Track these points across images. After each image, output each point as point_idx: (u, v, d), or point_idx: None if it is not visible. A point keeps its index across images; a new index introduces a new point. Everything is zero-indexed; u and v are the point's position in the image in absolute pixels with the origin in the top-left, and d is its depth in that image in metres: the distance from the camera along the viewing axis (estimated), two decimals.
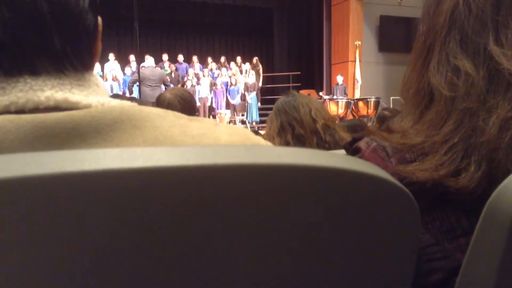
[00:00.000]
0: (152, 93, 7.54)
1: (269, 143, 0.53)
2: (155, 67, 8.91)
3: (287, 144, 1.53)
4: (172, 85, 9.30)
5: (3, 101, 0.40)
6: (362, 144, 0.62)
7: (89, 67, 0.48)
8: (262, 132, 3.52)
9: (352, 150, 0.65)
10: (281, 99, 1.65)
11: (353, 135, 0.70)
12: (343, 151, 1.07)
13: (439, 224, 0.54)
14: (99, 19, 0.51)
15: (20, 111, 0.40)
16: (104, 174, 0.25)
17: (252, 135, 0.50)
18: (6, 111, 0.40)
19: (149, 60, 8.93)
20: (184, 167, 0.27)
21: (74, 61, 0.45)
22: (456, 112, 0.54)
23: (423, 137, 0.56)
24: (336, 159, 0.32)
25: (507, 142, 0.50)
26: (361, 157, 0.61)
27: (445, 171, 0.52)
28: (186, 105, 2.00)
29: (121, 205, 0.26)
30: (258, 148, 0.31)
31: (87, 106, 0.43)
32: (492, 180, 0.50)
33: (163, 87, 8.61)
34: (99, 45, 0.52)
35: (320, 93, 10.64)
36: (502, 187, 0.42)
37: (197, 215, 0.28)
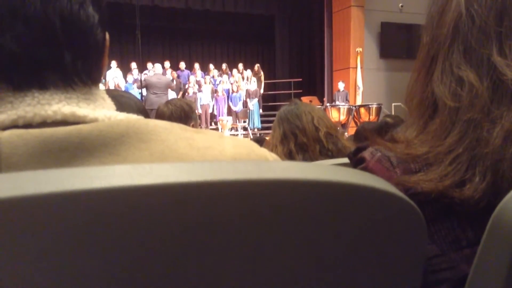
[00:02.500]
0: (158, 100, 7.57)
1: (274, 155, 0.53)
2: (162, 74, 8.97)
3: (290, 152, 1.53)
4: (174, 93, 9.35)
5: (11, 115, 0.40)
6: (366, 154, 0.63)
7: (96, 81, 0.48)
8: (267, 138, 3.53)
9: (357, 160, 0.65)
10: (284, 107, 1.65)
11: (357, 144, 0.70)
12: (346, 160, 1.07)
13: (444, 234, 0.54)
14: (107, 35, 0.52)
15: (28, 125, 0.41)
16: (114, 191, 0.25)
17: (257, 147, 0.51)
18: (14, 125, 0.40)
19: (156, 67, 8.98)
20: (194, 183, 0.27)
21: (83, 76, 0.46)
22: (460, 123, 0.54)
23: (427, 147, 0.56)
24: (342, 173, 0.33)
25: (511, 153, 0.50)
26: (365, 167, 0.61)
27: (449, 182, 0.52)
28: (184, 115, 2.02)
29: (132, 222, 0.26)
30: (266, 163, 0.31)
31: (94, 120, 0.43)
32: (497, 191, 0.50)
33: (169, 94, 8.64)
34: (106, 60, 0.52)
35: (324, 100, 10.68)
36: (508, 200, 0.42)
37: (206, 231, 0.28)
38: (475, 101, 0.54)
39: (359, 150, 0.67)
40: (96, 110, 0.45)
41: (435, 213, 0.54)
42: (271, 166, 0.31)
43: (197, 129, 0.48)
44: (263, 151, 0.51)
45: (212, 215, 0.28)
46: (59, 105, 0.43)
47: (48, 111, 0.42)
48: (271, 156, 0.52)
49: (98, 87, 0.49)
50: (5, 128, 0.40)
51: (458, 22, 0.58)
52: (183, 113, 2.03)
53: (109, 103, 0.49)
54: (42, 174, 0.25)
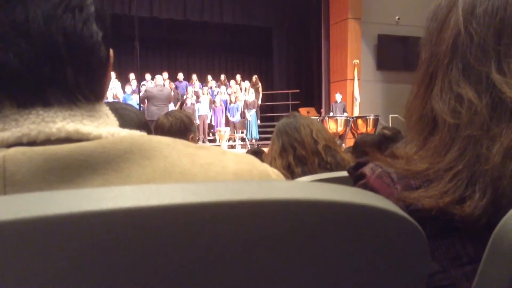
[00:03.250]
0: (158, 112, 7.59)
1: (275, 171, 0.53)
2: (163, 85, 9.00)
3: (289, 165, 1.53)
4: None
5: (16, 132, 0.41)
6: (367, 170, 0.63)
7: (100, 98, 0.48)
8: (264, 149, 3.53)
9: (357, 175, 0.65)
10: (282, 120, 1.66)
11: (357, 159, 0.71)
12: (345, 173, 1.08)
13: (445, 251, 0.54)
14: (111, 51, 0.52)
15: (32, 142, 0.41)
16: (121, 213, 0.25)
17: (259, 163, 0.51)
18: (18, 142, 0.40)
19: (157, 79, 9.00)
20: (199, 204, 0.27)
21: (86, 93, 0.46)
22: (460, 140, 0.55)
23: (427, 164, 0.56)
24: (345, 193, 0.33)
25: (511, 170, 0.50)
26: (366, 183, 0.61)
27: (450, 199, 0.52)
28: (184, 127, 2.02)
29: (138, 243, 0.26)
30: (270, 183, 0.32)
31: (98, 137, 0.43)
32: (497, 208, 0.50)
33: (170, 106, 8.66)
34: (110, 76, 0.53)
35: (321, 111, 10.72)
36: (509, 217, 0.42)
37: (212, 252, 0.28)
38: (474, 118, 0.54)
39: (359, 165, 0.67)
40: (100, 127, 0.45)
41: (435, 230, 0.54)
42: (275, 186, 0.31)
43: (199, 145, 0.48)
44: (265, 167, 0.51)
45: (217, 235, 0.28)
46: (63, 122, 0.43)
47: (52, 128, 0.42)
48: (273, 172, 0.52)
49: (102, 103, 0.49)
50: (10, 145, 0.40)
51: (457, 40, 0.59)
52: (182, 125, 2.03)
53: (112, 119, 0.49)
54: (49, 196, 0.25)
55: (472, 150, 0.53)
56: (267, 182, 0.31)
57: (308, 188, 0.32)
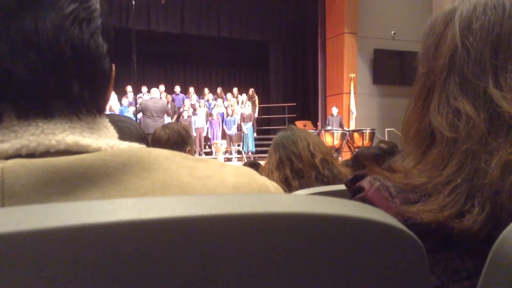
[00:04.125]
0: (154, 124, 7.61)
1: (274, 184, 0.53)
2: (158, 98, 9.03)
3: (286, 178, 1.53)
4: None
5: (15, 144, 0.40)
6: (365, 183, 0.63)
7: (101, 111, 0.49)
8: (261, 162, 3.52)
9: (355, 188, 0.65)
10: (280, 133, 1.66)
11: (355, 172, 0.71)
12: (343, 187, 1.07)
13: (444, 266, 0.54)
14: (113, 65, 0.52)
15: (31, 154, 0.41)
16: (121, 225, 0.25)
17: (258, 175, 0.51)
18: (18, 154, 0.40)
19: (152, 92, 9.02)
20: (199, 217, 0.27)
21: (89, 105, 0.46)
22: (458, 154, 0.55)
23: (426, 178, 0.56)
24: (345, 206, 0.33)
25: (510, 184, 0.50)
26: (364, 196, 0.61)
27: (449, 213, 0.52)
28: (181, 140, 2.02)
29: (138, 256, 0.26)
30: (271, 197, 0.31)
31: (97, 149, 0.43)
32: (496, 223, 0.50)
33: (165, 118, 8.67)
34: (111, 90, 0.53)
35: (318, 124, 10.76)
36: (508, 232, 0.42)
37: (212, 265, 0.28)
38: (472, 132, 0.54)
39: (356, 178, 0.67)
40: (99, 139, 0.45)
41: (434, 244, 0.54)
42: (276, 199, 0.31)
43: (198, 158, 0.48)
44: (264, 180, 0.51)
45: (218, 248, 0.28)
46: (63, 134, 0.42)
47: (52, 140, 0.42)
48: (272, 184, 0.52)
49: (103, 116, 0.49)
50: (8, 157, 0.40)
51: (454, 55, 0.59)
52: (180, 138, 2.03)
53: (111, 132, 0.49)
54: (48, 208, 0.25)
55: (470, 164, 0.53)
56: (267, 196, 0.31)
57: (308, 201, 0.32)
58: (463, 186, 0.53)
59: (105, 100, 0.50)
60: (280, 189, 0.54)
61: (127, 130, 1.32)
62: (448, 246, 0.54)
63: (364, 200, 0.60)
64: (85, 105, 0.45)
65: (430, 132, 0.61)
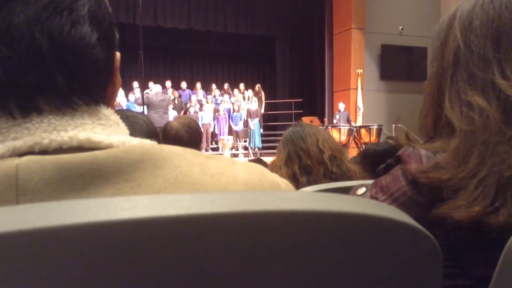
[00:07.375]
0: (160, 120, 7.68)
1: (285, 181, 0.53)
2: (163, 93, 9.13)
3: (294, 174, 1.53)
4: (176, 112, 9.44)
5: (28, 141, 0.40)
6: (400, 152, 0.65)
7: (100, 101, 0.47)
8: (264, 158, 3.51)
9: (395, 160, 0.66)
10: (289, 129, 1.66)
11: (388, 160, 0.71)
12: (350, 183, 1.07)
13: (474, 261, 0.54)
14: (117, 54, 0.51)
15: (44, 151, 0.41)
16: (138, 222, 0.25)
17: (269, 173, 0.51)
18: (30, 151, 0.40)
19: (155, 88, 9.09)
20: (215, 214, 0.27)
21: (82, 97, 0.44)
22: (477, 146, 0.55)
23: (449, 174, 0.57)
24: (360, 204, 0.33)
25: None
26: (400, 156, 0.64)
27: (480, 207, 0.52)
28: (193, 134, 2.01)
29: (154, 253, 0.26)
30: (285, 194, 0.31)
31: (109, 146, 0.43)
32: None
33: (170, 113, 8.73)
34: (117, 80, 0.52)
35: (324, 120, 10.74)
36: None
37: (227, 262, 0.28)
38: (487, 122, 0.55)
39: (389, 165, 0.69)
40: (111, 135, 0.45)
41: (465, 240, 0.54)
42: (290, 196, 0.31)
43: (209, 155, 0.48)
44: (275, 177, 0.51)
45: (234, 245, 0.28)
46: (75, 131, 0.43)
47: (64, 137, 0.42)
48: (283, 181, 0.52)
49: (112, 111, 0.49)
50: (22, 154, 0.40)
51: (457, 53, 0.61)
52: (198, 137, 2.02)
53: (123, 128, 0.49)
54: (65, 205, 0.25)
55: (491, 156, 0.54)
56: (281, 193, 0.31)
57: (321, 199, 0.32)
58: (490, 179, 0.53)
59: (102, 90, 0.48)
60: (291, 186, 0.53)
61: (138, 125, 1.32)
62: (479, 241, 0.54)
63: (399, 160, 0.63)
64: (78, 97, 0.44)
65: (447, 123, 0.62)
